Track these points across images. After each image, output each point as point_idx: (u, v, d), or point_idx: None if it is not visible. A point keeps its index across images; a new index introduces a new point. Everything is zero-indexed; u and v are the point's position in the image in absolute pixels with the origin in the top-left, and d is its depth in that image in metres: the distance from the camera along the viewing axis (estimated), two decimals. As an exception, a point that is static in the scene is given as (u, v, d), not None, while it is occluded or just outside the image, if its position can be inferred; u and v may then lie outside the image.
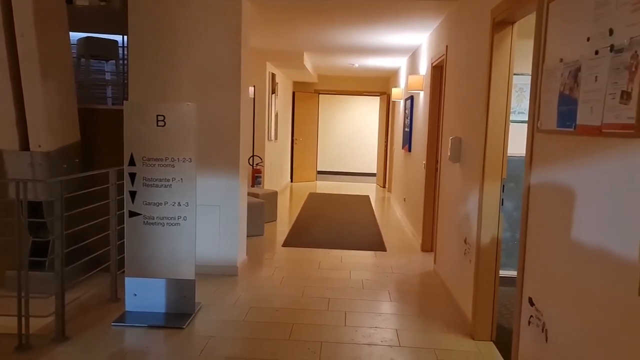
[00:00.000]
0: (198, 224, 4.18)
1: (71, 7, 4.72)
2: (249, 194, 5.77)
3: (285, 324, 3.62)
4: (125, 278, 3.66)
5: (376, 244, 6.16)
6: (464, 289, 3.77)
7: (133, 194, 3.60)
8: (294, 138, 12.23)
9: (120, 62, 5.25)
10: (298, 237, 6.40)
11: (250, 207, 5.84)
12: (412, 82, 6.56)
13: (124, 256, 3.68)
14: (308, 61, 8.95)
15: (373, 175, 13.45)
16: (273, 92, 9.33)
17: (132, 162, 3.58)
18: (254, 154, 8.57)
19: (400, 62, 8.83)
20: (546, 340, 2.23)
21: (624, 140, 1.67)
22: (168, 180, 3.59)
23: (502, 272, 3.52)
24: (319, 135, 13.00)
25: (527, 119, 2.56)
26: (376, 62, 8.95)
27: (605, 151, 1.80)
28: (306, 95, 12.26)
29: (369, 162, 14.06)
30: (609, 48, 1.74)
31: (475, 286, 3.39)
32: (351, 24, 5.73)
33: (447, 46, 4.84)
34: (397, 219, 8.05)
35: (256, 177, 8.36)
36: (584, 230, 1.93)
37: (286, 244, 6.06)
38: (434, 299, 4.28)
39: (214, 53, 4.53)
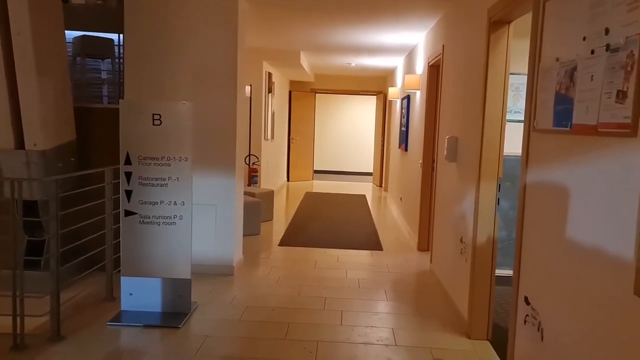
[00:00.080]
0: (194, 223, 4.17)
1: (67, 6, 4.70)
2: (245, 193, 5.76)
3: (282, 324, 3.61)
4: (121, 277, 3.66)
5: (372, 243, 6.16)
6: (460, 288, 3.78)
7: (129, 193, 3.59)
8: (291, 137, 12.22)
9: (116, 60, 5.23)
10: (294, 237, 6.40)
11: (246, 206, 5.83)
12: (408, 81, 6.56)
13: (119, 255, 3.68)
14: (305, 60, 8.94)
15: (369, 174, 13.46)
16: (270, 91, 9.32)
17: (128, 161, 3.57)
18: (251, 153, 8.56)
19: (396, 62, 8.83)
20: (542, 339, 2.24)
21: (619, 139, 1.67)
22: (164, 179, 3.58)
23: (498, 271, 3.53)
24: (315, 135, 12.99)
25: (523, 118, 2.56)
26: (373, 62, 8.95)
27: (601, 150, 1.80)
28: (303, 94, 12.26)
29: (366, 161, 14.06)
30: (604, 47, 1.75)
31: (471, 285, 3.40)
32: (348, 23, 5.73)
33: (443, 45, 4.85)
34: (393, 218, 8.05)
35: (252, 177, 8.35)
36: (580, 229, 1.93)
37: (282, 243, 6.06)
38: (430, 298, 4.28)
39: (210, 52, 4.52)
